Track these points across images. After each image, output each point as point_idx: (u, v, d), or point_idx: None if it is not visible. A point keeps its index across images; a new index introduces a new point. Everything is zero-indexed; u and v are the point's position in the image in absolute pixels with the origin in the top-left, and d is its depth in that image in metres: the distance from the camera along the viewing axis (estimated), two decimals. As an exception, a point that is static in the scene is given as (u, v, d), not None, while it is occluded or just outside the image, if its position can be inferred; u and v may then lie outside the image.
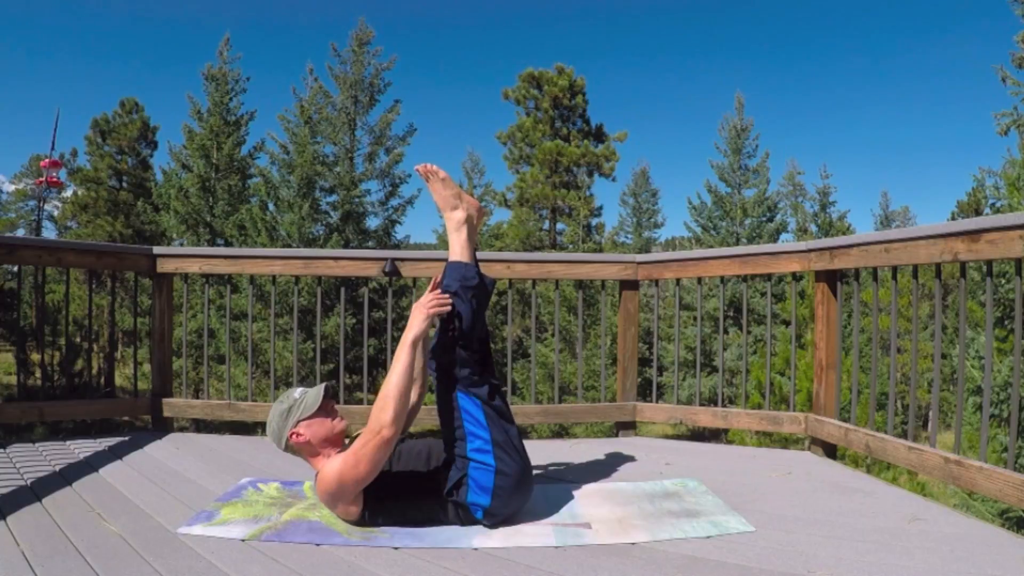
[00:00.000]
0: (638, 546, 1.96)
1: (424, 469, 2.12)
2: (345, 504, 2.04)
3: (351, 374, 12.68)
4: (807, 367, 8.99)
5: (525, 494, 2.15)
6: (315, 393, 2.16)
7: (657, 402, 3.71)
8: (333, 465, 2.01)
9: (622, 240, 31.13)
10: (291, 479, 2.62)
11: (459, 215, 2.31)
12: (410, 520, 2.08)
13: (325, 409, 2.15)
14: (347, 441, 2.20)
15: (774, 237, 20.43)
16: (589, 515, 2.19)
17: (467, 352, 2.14)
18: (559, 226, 20.99)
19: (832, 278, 3.13)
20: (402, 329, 2.13)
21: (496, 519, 2.07)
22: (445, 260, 2.29)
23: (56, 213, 31.05)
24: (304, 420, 2.11)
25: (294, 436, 2.11)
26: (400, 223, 18.34)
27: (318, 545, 1.94)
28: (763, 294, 17.92)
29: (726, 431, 12.62)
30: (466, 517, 2.07)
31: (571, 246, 19.95)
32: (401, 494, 2.08)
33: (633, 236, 31.71)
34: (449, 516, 2.08)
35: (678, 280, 3.69)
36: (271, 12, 69.14)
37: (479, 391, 2.12)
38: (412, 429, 2.52)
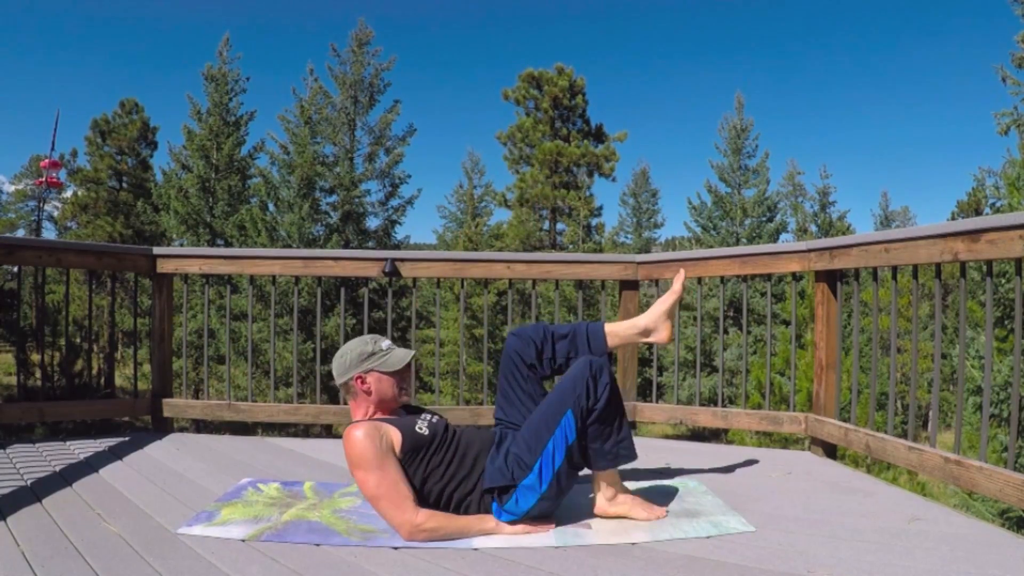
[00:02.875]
0: (638, 546, 1.96)
1: (472, 458, 2.09)
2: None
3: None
4: (807, 367, 8.98)
5: (557, 507, 2.14)
6: (402, 354, 2.15)
7: (657, 402, 3.70)
8: (359, 445, 1.96)
9: (622, 240, 31.14)
10: (291, 479, 2.62)
11: (649, 329, 2.37)
12: (446, 498, 2.06)
13: (402, 374, 2.14)
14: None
15: (774, 237, 20.43)
16: (589, 515, 2.19)
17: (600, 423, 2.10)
18: (559, 226, 21.00)
19: (832, 278, 3.13)
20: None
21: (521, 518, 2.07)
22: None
23: (56, 213, 31.07)
24: (377, 372, 2.10)
25: (359, 380, 2.10)
26: (400, 223, 18.38)
27: (318, 545, 1.94)
28: (763, 294, 17.92)
29: (726, 431, 12.62)
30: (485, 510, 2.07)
31: (571, 246, 19.95)
32: (446, 480, 2.06)
33: (633, 236, 31.72)
34: (473, 509, 2.07)
35: (678, 280, 3.69)
36: (271, 12, 69.23)
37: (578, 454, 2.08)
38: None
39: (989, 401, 3.11)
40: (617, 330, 2.34)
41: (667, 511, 2.19)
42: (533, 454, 2.02)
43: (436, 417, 2.20)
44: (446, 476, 2.05)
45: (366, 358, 2.11)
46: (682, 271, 2.48)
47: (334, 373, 2.16)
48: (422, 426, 2.10)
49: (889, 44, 66.92)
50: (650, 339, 2.36)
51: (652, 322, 2.36)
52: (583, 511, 2.23)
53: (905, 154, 75.03)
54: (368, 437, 1.97)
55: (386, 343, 2.17)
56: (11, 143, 65.91)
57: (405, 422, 2.10)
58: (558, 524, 2.10)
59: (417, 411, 2.25)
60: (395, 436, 2.03)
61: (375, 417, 2.12)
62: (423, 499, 2.04)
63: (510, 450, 2.07)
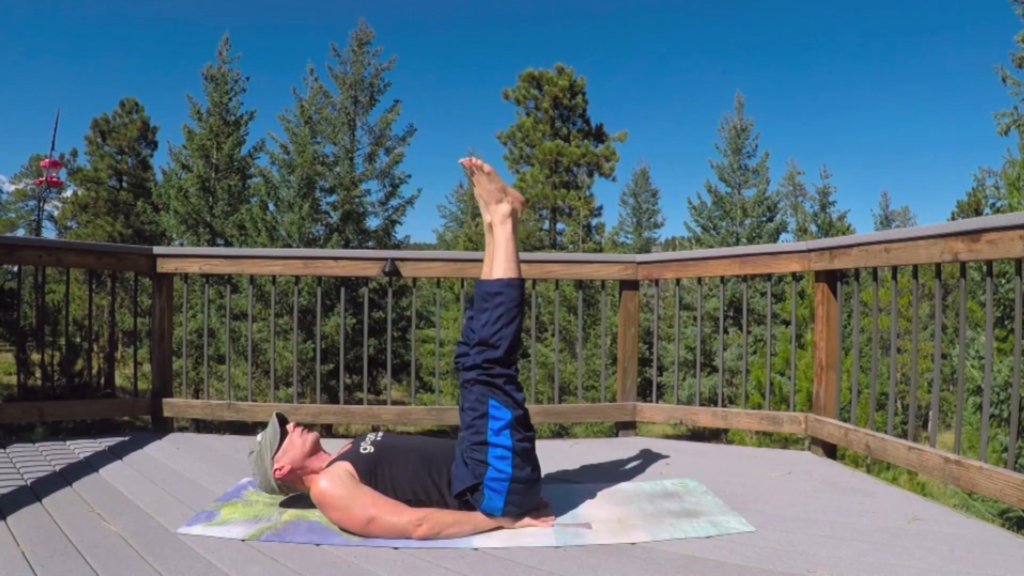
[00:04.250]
0: (638, 546, 1.96)
1: (427, 476, 2.09)
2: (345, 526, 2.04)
3: (351, 374, 12.69)
4: (807, 367, 8.99)
5: (535, 497, 2.15)
6: (271, 426, 2.22)
7: (657, 402, 3.71)
8: (329, 491, 2.00)
9: (622, 240, 31.15)
10: (291, 479, 2.62)
11: (504, 208, 2.31)
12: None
13: (286, 434, 2.21)
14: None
15: (774, 237, 20.43)
16: (589, 515, 2.19)
17: (510, 361, 2.13)
18: (559, 226, 20.97)
19: (832, 278, 3.13)
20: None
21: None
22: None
23: (56, 213, 31.06)
24: (275, 453, 2.16)
25: (277, 472, 2.15)
26: (400, 223, 18.36)
27: (318, 545, 1.94)
28: (763, 294, 17.92)
29: (726, 431, 12.62)
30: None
31: (571, 246, 19.93)
32: (399, 497, 2.07)
33: (633, 236, 31.74)
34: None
35: (678, 280, 3.69)
36: (271, 12, 69.26)
37: (513, 400, 2.10)
38: (409, 429, 2.52)
39: (989, 401, 3.10)
40: (501, 240, 2.27)
41: (554, 521, 2.15)
42: (483, 450, 2.05)
43: (380, 434, 2.24)
44: (414, 483, 2.06)
45: (261, 459, 2.17)
46: None
47: (270, 493, 2.23)
48: (367, 447, 2.14)
49: (889, 44, 67.01)
50: (517, 209, 2.32)
51: (499, 201, 2.30)
52: (583, 511, 2.23)
53: (905, 154, 75.07)
54: (330, 481, 2.02)
55: (258, 436, 2.24)
56: (11, 143, 65.96)
57: (351, 451, 2.15)
58: (558, 524, 2.10)
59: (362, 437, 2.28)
60: (347, 467, 2.07)
61: (325, 467, 2.14)
62: None
63: (464, 452, 2.09)
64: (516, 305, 2.17)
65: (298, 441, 2.18)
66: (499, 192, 2.32)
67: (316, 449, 2.20)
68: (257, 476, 2.19)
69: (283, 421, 2.26)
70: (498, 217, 2.31)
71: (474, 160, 2.32)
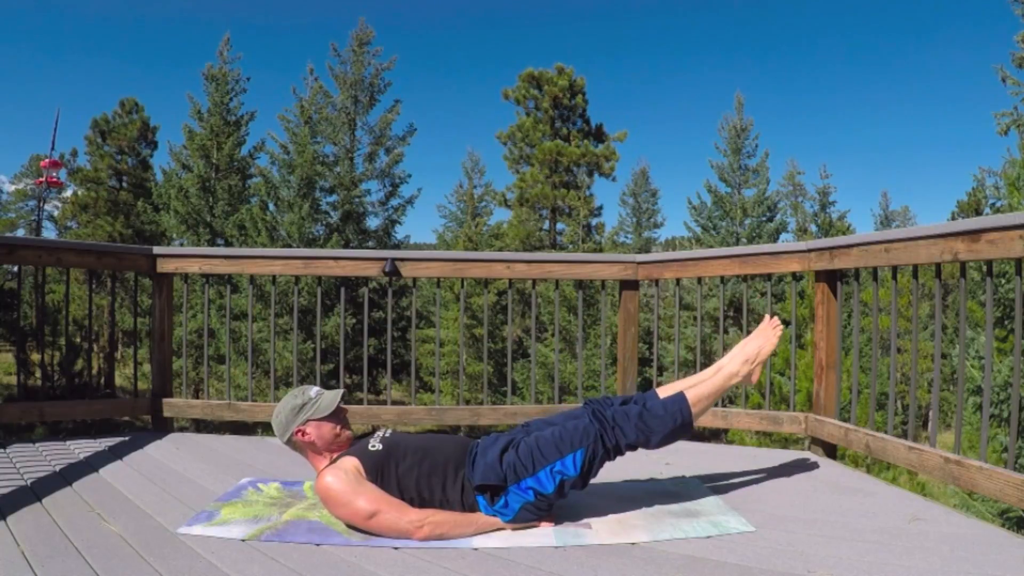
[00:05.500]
0: (638, 546, 1.96)
1: (434, 476, 2.08)
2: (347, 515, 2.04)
3: (351, 374, 12.67)
4: (807, 367, 8.98)
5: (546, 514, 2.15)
6: (331, 397, 2.17)
7: (657, 402, 3.70)
8: (334, 487, 1.99)
9: (622, 240, 31.12)
10: (291, 479, 2.62)
11: (744, 370, 2.39)
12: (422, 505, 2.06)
13: (337, 415, 2.16)
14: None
15: (774, 237, 20.42)
16: (589, 515, 2.19)
17: (621, 452, 2.18)
18: (559, 226, 20.98)
19: (832, 278, 3.13)
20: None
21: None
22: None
23: (56, 213, 31.05)
24: (314, 420, 2.12)
25: (300, 434, 2.12)
26: (400, 223, 18.38)
27: (318, 545, 1.94)
28: (763, 294, 17.92)
29: (726, 431, 12.62)
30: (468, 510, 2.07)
31: (571, 246, 19.94)
32: (404, 496, 2.06)
33: (633, 236, 31.71)
34: (458, 507, 2.07)
35: (678, 280, 3.69)
36: (271, 12, 69.22)
37: (591, 469, 2.11)
38: (409, 429, 2.53)
39: (989, 401, 3.11)
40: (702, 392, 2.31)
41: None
42: (534, 466, 2.05)
43: (388, 431, 2.23)
44: (420, 481, 2.06)
45: (299, 411, 2.13)
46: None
47: (276, 434, 2.17)
48: (375, 444, 2.13)
49: (889, 44, 66.95)
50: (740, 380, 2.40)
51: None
52: (583, 511, 2.23)
53: (905, 154, 74.97)
54: (336, 477, 2.01)
55: (314, 391, 2.19)
56: (11, 143, 65.93)
57: (358, 447, 2.14)
58: (558, 524, 2.10)
59: (371, 434, 2.27)
60: (355, 463, 2.06)
61: (333, 459, 2.13)
62: None
63: (511, 453, 2.08)
64: (671, 435, 2.21)
65: (336, 430, 2.15)
66: (748, 365, 2.38)
67: (343, 447, 2.17)
68: (280, 416, 2.14)
69: (344, 400, 2.21)
70: (732, 368, 2.37)
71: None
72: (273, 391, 4.08)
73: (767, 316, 2.48)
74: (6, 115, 63.19)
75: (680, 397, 2.23)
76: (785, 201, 27.01)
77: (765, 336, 2.41)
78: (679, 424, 2.18)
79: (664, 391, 2.33)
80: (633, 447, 2.18)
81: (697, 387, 2.30)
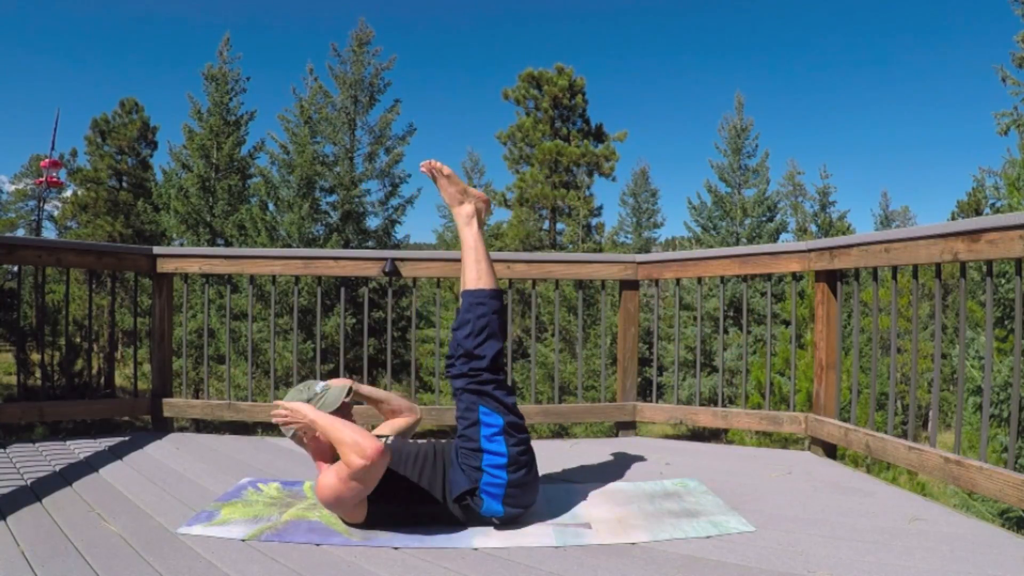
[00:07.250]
0: (638, 546, 1.96)
1: (432, 472, 2.09)
2: (345, 511, 2.04)
3: (351, 374, 12.68)
4: (807, 367, 8.99)
5: (533, 497, 2.15)
6: (337, 392, 2.16)
7: (657, 402, 3.71)
8: (329, 480, 1.98)
9: (622, 240, 31.14)
10: (291, 479, 2.62)
11: (467, 209, 2.32)
12: (413, 516, 2.07)
13: (343, 410, 2.14)
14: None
15: (774, 237, 20.43)
16: (589, 515, 2.19)
17: (496, 367, 2.14)
18: (559, 226, 20.98)
19: (832, 278, 3.13)
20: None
21: (505, 522, 2.07)
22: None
23: (56, 213, 31.04)
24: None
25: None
26: (400, 223, 18.34)
27: (318, 545, 1.94)
28: (763, 294, 17.92)
29: (726, 431, 12.62)
30: (473, 517, 2.07)
31: (571, 246, 19.94)
32: (406, 500, 2.06)
33: (633, 236, 31.72)
34: (455, 516, 2.07)
35: (678, 280, 3.69)
36: (271, 12, 69.18)
37: (503, 405, 2.10)
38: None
39: (989, 401, 3.10)
40: (468, 241, 2.30)
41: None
42: (476, 452, 2.05)
43: (390, 438, 2.23)
44: (418, 488, 2.05)
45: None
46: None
47: (282, 428, 2.16)
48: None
49: (889, 44, 66.90)
50: (481, 209, 2.36)
51: (461, 203, 2.35)
52: (583, 511, 2.23)
53: (905, 154, 74.92)
54: (325, 476, 1.99)
55: (320, 385, 2.17)
56: (11, 143, 65.89)
57: None
58: (558, 523, 2.10)
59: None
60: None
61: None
62: (387, 518, 2.04)
63: (459, 458, 2.09)
64: (497, 314, 2.18)
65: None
66: (460, 194, 2.33)
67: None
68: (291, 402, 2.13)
69: (350, 395, 2.19)
70: (462, 219, 2.32)
71: (432, 163, 2.33)
72: (273, 391, 4.07)
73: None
74: (6, 115, 63.23)
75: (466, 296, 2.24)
76: (785, 201, 27.04)
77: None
78: (479, 300, 2.19)
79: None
80: (494, 361, 2.15)
81: (466, 275, 2.28)
